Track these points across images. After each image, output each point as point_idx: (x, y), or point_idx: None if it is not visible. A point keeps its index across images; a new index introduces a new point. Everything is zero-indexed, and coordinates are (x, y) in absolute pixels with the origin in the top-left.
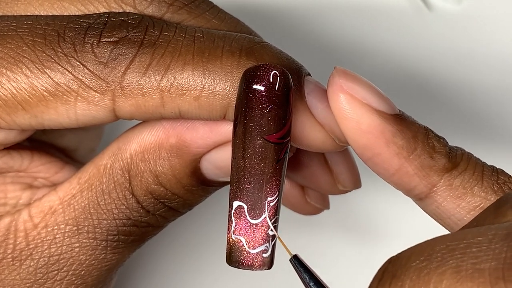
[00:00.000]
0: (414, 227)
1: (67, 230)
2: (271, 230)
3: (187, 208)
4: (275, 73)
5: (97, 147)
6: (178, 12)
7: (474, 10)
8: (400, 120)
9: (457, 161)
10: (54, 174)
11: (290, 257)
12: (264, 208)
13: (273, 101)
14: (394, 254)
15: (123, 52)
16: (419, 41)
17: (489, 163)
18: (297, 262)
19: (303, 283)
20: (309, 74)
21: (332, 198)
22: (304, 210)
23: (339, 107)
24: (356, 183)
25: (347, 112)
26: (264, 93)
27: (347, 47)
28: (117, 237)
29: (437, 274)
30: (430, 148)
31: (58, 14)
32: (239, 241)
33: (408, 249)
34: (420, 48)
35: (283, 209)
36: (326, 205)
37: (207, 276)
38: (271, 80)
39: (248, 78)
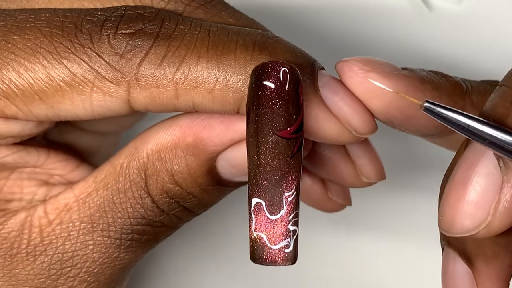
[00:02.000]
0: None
1: (81, 228)
2: (291, 225)
3: (202, 209)
4: (284, 70)
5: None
6: (195, 12)
7: (474, 10)
8: (412, 70)
9: (466, 84)
10: (70, 172)
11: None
12: (282, 203)
13: (283, 97)
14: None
15: (139, 44)
16: (419, 41)
17: None
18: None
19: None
20: (323, 68)
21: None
22: (326, 207)
23: (367, 85)
24: (380, 175)
25: (374, 85)
26: (273, 90)
27: (347, 47)
28: (131, 236)
29: None
30: (445, 78)
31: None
32: (261, 237)
33: None
34: (420, 48)
35: (304, 207)
36: (348, 201)
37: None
38: (279, 77)
39: (257, 75)
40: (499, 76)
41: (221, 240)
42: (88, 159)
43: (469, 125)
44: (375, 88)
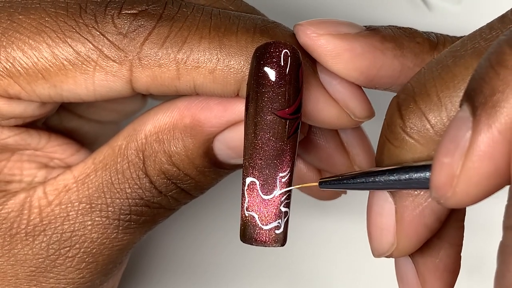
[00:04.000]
0: None
1: (80, 208)
2: (283, 206)
3: (198, 191)
4: (285, 51)
5: None
6: None
7: (474, 10)
8: (374, 29)
9: (436, 39)
10: (69, 156)
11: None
12: (276, 184)
13: (283, 78)
14: None
15: (142, 24)
16: None
17: None
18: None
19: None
20: None
21: None
22: (321, 194)
23: (325, 47)
24: (373, 165)
25: (335, 48)
26: (274, 71)
27: None
28: (129, 216)
29: None
30: (412, 36)
31: None
32: (252, 217)
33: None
34: None
35: (299, 194)
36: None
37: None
38: (281, 58)
39: (259, 56)
40: None
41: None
42: (87, 148)
43: (361, 182)
44: (329, 51)
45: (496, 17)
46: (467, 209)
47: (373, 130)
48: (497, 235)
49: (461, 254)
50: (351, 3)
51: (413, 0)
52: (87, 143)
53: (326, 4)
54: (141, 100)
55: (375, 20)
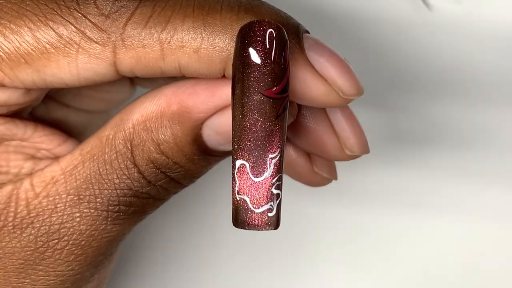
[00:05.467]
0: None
1: (68, 200)
2: (275, 188)
3: (188, 179)
4: (270, 31)
5: None
6: None
7: (474, 10)
8: None
9: None
10: (56, 146)
11: None
12: (267, 165)
13: (269, 57)
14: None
15: (124, 4)
16: (419, 41)
17: (488, 163)
18: None
19: None
20: (307, 32)
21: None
22: (311, 180)
23: None
24: (364, 148)
25: None
26: (259, 50)
27: (347, 47)
28: (118, 207)
29: None
30: None
31: None
32: (244, 201)
33: None
34: (420, 48)
35: (290, 180)
36: (333, 175)
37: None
38: (266, 37)
39: (243, 36)
40: (499, 76)
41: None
42: (78, 138)
43: None
44: None
45: (495, 17)
46: None
47: (362, 112)
48: None
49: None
50: (350, 3)
51: (413, 0)
52: (75, 133)
53: (326, 4)
54: (129, 88)
55: (375, 20)
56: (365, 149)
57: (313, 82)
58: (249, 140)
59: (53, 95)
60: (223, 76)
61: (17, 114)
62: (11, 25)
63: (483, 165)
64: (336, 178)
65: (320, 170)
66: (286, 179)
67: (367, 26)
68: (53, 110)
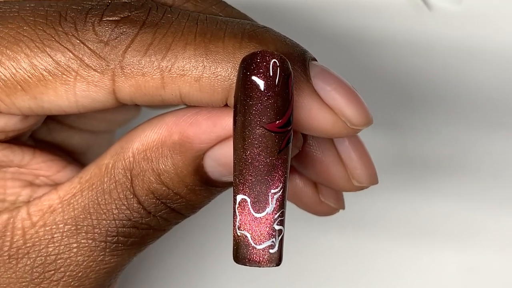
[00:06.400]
0: (421, 224)
1: (65, 230)
2: (277, 224)
3: (190, 210)
4: (274, 61)
5: None
6: (184, 5)
7: (474, 10)
8: None
9: None
10: (55, 173)
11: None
12: (268, 201)
13: (272, 89)
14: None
15: (124, 31)
16: (419, 41)
17: (488, 163)
18: None
19: None
20: (314, 59)
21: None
22: (318, 210)
23: None
24: (372, 179)
25: None
26: (262, 82)
27: (346, 47)
28: (116, 238)
29: None
30: None
31: None
32: (245, 236)
33: None
34: (420, 48)
35: (295, 208)
36: (341, 205)
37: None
38: (269, 68)
39: (245, 66)
40: (500, 76)
41: (212, 241)
42: (79, 158)
43: None
44: None
45: (495, 17)
46: None
47: (371, 140)
48: None
49: None
50: (350, 3)
51: (413, 0)
52: (78, 153)
53: (326, 5)
54: (134, 109)
55: (375, 20)
56: (373, 180)
57: (319, 112)
58: (251, 174)
59: (54, 117)
60: (226, 105)
61: (15, 139)
62: (8, 51)
63: (497, 192)
64: (343, 208)
65: (327, 200)
66: (291, 207)
67: (366, 26)
68: (55, 131)
